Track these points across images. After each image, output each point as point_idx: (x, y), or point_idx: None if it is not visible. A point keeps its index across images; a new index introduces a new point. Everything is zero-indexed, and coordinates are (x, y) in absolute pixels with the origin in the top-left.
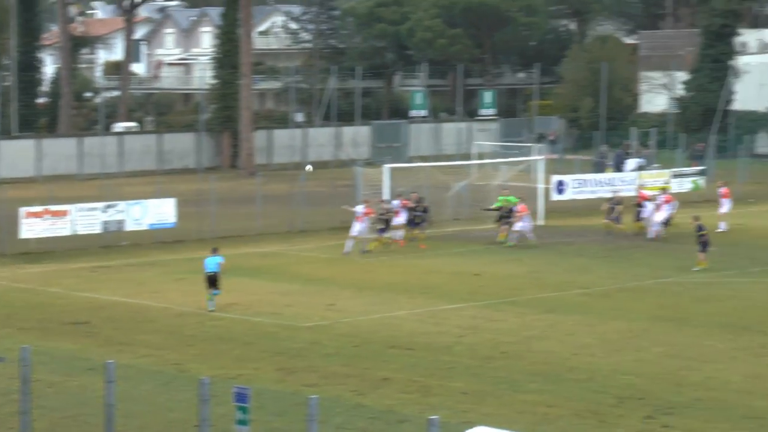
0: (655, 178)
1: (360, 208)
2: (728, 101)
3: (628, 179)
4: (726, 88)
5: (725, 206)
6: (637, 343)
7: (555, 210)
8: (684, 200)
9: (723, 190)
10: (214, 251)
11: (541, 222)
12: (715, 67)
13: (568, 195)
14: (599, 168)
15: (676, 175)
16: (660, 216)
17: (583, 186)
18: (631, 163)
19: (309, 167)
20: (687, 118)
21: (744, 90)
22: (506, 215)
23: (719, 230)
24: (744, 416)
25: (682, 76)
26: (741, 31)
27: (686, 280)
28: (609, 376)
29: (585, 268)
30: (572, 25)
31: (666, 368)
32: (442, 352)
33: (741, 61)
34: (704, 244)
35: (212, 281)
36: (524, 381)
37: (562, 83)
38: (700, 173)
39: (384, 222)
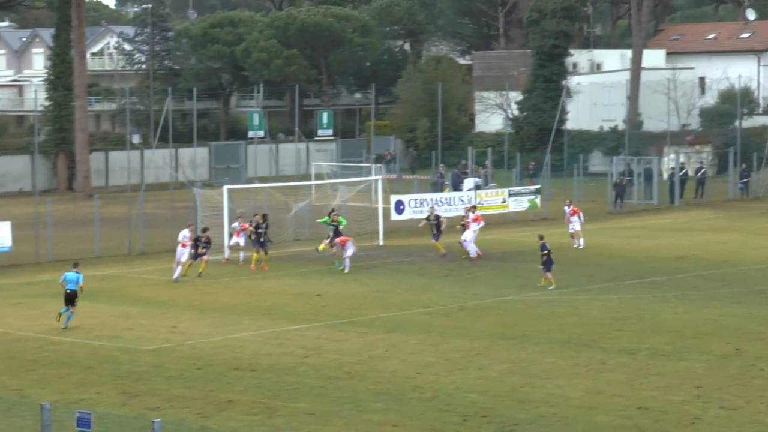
0: (493, 197)
1: (184, 234)
2: (561, 121)
3: (466, 198)
4: (559, 108)
5: (576, 223)
6: (479, 361)
7: (394, 230)
8: (521, 219)
9: (571, 208)
10: (75, 266)
11: (380, 242)
12: (547, 87)
13: (407, 215)
14: (437, 187)
15: (513, 194)
16: (468, 234)
17: (422, 206)
18: (468, 182)
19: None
20: (522, 137)
21: (576, 110)
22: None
23: (578, 247)
24: (585, 431)
25: (516, 96)
26: (572, 51)
27: (527, 298)
28: (453, 395)
29: (426, 287)
30: (407, 46)
31: (509, 385)
32: (286, 373)
33: (573, 81)
34: (548, 263)
35: (70, 299)
36: (369, 400)
37: (399, 103)
38: (536, 192)
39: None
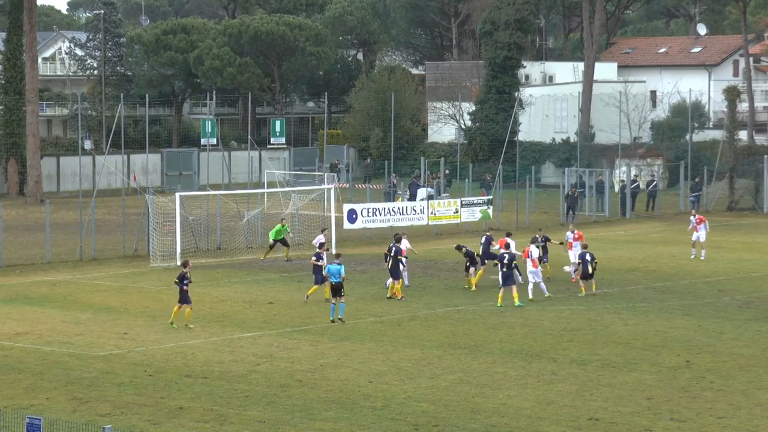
0: (445, 207)
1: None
2: (514, 132)
3: (419, 208)
4: (511, 119)
5: (702, 233)
6: (431, 371)
7: (347, 239)
8: (474, 229)
9: (697, 217)
10: None
11: (333, 251)
12: (500, 98)
13: (360, 224)
14: (390, 197)
15: (465, 205)
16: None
17: (375, 215)
18: (420, 192)
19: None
20: (474, 148)
21: (529, 121)
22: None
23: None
24: None
25: (469, 106)
26: (525, 63)
27: (478, 308)
28: (404, 404)
29: (378, 296)
30: (360, 56)
31: (460, 395)
32: (238, 381)
33: (525, 92)
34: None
35: None
36: (320, 409)
37: (352, 113)
38: (488, 203)
39: None
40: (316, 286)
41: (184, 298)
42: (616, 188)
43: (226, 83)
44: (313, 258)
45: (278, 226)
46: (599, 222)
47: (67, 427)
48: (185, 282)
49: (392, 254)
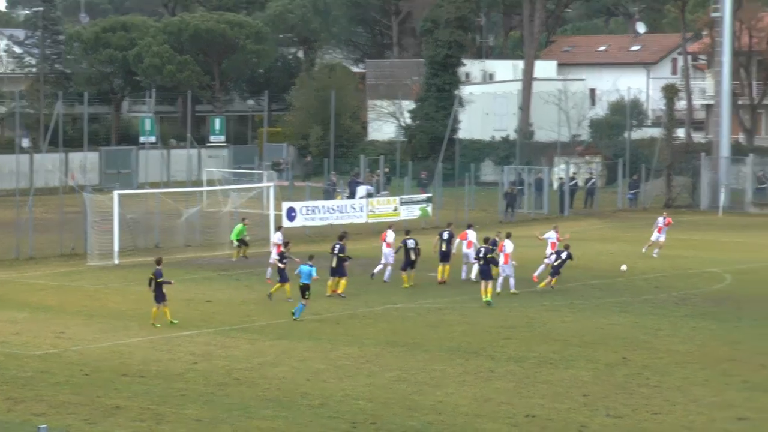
0: (384, 205)
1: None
2: (453, 130)
3: (358, 206)
4: (451, 117)
5: (663, 235)
6: (369, 369)
7: (286, 237)
8: (413, 227)
9: (666, 219)
10: None
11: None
12: (440, 96)
13: (299, 222)
14: (329, 195)
15: (404, 202)
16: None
17: (314, 213)
18: (360, 190)
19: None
20: (414, 146)
21: (469, 119)
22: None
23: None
24: None
25: (409, 104)
26: (465, 61)
27: (417, 306)
28: (342, 402)
29: (317, 294)
30: (300, 53)
31: (398, 393)
32: (175, 380)
33: (465, 90)
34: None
35: None
36: (258, 407)
37: (292, 111)
38: (428, 200)
39: None
40: (279, 285)
41: (159, 297)
42: (555, 186)
43: (165, 81)
44: (276, 258)
45: (240, 225)
46: (538, 219)
47: (2, 426)
48: (161, 280)
49: (336, 252)
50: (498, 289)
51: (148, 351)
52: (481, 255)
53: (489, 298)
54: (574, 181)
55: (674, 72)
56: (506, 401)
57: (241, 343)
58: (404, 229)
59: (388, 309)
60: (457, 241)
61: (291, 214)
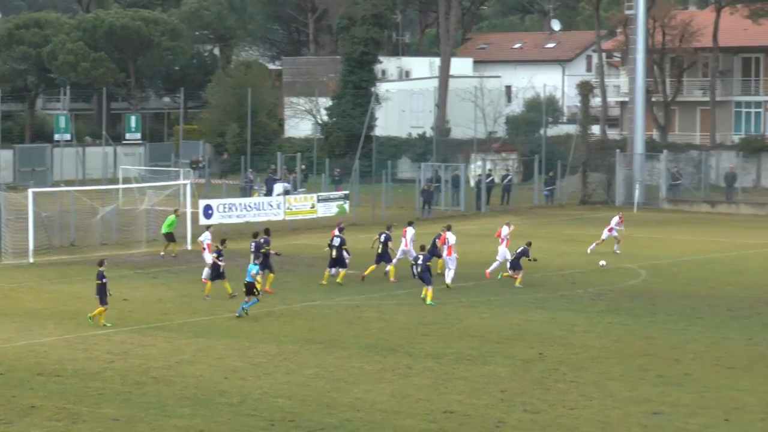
0: (301, 202)
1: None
2: (370, 127)
3: (275, 203)
4: (368, 114)
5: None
6: (287, 366)
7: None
8: (330, 224)
9: (620, 217)
10: None
11: (189, 246)
12: (357, 93)
13: (216, 219)
14: (246, 192)
15: (322, 200)
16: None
17: (231, 210)
18: (277, 187)
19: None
20: (331, 143)
21: (385, 116)
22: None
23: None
24: None
25: (326, 102)
26: (381, 58)
27: (335, 303)
28: (260, 399)
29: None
30: (216, 51)
31: (316, 390)
32: (92, 379)
33: (382, 87)
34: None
35: None
36: (175, 406)
37: (208, 108)
38: (345, 198)
39: None
40: (225, 282)
41: (103, 298)
42: (472, 183)
43: (80, 78)
44: (214, 255)
45: (171, 217)
46: (455, 216)
47: None
48: (104, 280)
49: (253, 250)
50: (448, 281)
51: (64, 350)
52: (419, 262)
53: (429, 300)
54: (490, 178)
55: (589, 69)
56: (424, 398)
57: (159, 342)
58: (338, 226)
59: (306, 306)
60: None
61: (208, 212)
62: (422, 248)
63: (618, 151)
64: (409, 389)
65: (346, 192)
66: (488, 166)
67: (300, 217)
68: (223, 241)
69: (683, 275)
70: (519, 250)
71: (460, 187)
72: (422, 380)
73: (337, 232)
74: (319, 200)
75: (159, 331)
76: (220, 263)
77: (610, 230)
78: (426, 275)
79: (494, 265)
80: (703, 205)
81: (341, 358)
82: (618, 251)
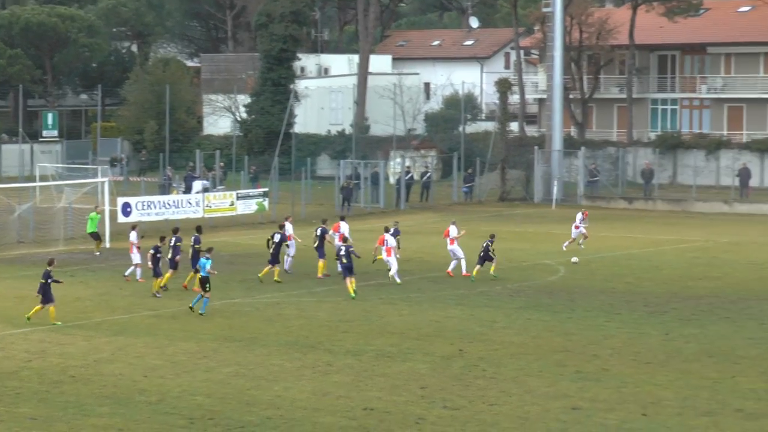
0: (221, 200)
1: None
2: (289, 124)
3: (194, 201)
4: (287, 112)
5: (582, 228)
6: (206, 364)
7: (121, 232)
8: (249, 222)
9: (584, 213)
10: None
11: (107, 244)
12: (276, 90)
13: (135, 217)
14: (165, 190)
15: (241, 197)
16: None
17: (150, 208)
18: (196, 185)
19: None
20: (250, 140)
21: (305, 113)
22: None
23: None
24: None
25: (245, 99)
26: (300, 55)
27: (254, 301)
28: (179, 398)
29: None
30: (134, 47)
31: (236, 388)
32: (9, 378)
33: (301, 85)
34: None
35: None
36: (94, 405)
37: (126, 105)
38: (264, 195)
39: None
40: (165, 275)
41: (47, 297)
42: (391, 180)
43: None
44: (151, 253)
45: (93, 214)
46: (374, 213)
47: None
48: (50, 280)
49: (171, 246)
50: (398, 280)
51: None
52: (342, 254)
53: (352, 293)
54: (409, 175)
55: (507, 66)
56: (344, 395)
57: (77, 340)
58: (278, 223)
59: (226, 304)
60: (330, 233)
61: (126, 210)
62: (345, 240)
63: (536, 148)
64: (329, 386)
65: (266, 189)
66: (407, 163)
67: (219, 214)
68: (162, 239)
69: (601, 271)
70: (484, 245)
71: (380, 184)
72: (342, 377)
73: (288, 226)
74: (238, 198)
75: (77, 330)
76: (159, 256)
77: (577, 227)
78: (350, 266)
79: (453, 263)
80: (621, 201)
81: (261, 356)
82: (582, 247)
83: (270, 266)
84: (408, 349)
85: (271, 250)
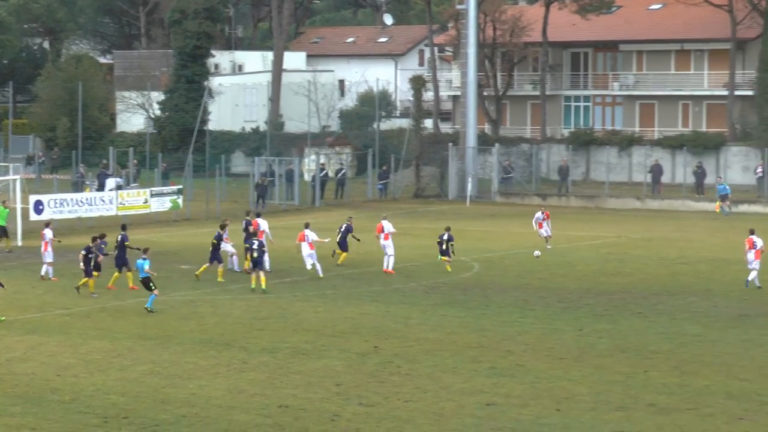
0: (134, 197)
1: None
2: (204, 121)
3: (108, 198)
4: (201, 109)
5: (546, 228)
6: (120, 363)
7: (34, 230)
8: (163, 219)
9: (545, 213)
10: None
11: (19, 242)
12: (189, 87)
13: (47, 215)
14: (78, 188)
15: (155, 194)
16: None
17: (63, 206)
18: (109, 182)
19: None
20: (164, 137)
21: (219, 110)
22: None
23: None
24: (226, 430)
25: (158, 96)
26: (214, 52)
27: (169, 298)
28: (93, 396)
29: (66, 288)
30: (46, 44)
31: (150, 386)
32: None
33: (215, 82)
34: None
35: None
36: (6, 404)
37: (38, 102)
38: (178, 192)
39: None
40: (90, 279)
41: None
42: (306, 177)
43: None
44: (83, 253)
45: (0, 208)
46: (289, 210)
47: None
48: None
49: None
50: (320, 274)
51: None
52: (254, 247)
53: (264, 286)
54: (324, 172)
55: (421, 63)
56: (259, 392)
57: None
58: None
59: (140, 302)
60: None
61: (39, 207)
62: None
63: (451, 144)
64: (245, 384)
65: (180, 187)
66: (322, 160)
67: (133, 212)
68: (100, 237)
69: (515, 267)
70: (445, 237)
71: (295, 181)
72: (257, 375)
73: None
74: (152, 195)
75: None
76: (91, 256)
77: (540, 226)
78: (261, 260)
79: (387, 260)
80: (535, 198)
81: (176, 354)
82: (549, 247)
83: (208, 264)
84: (323, 346)
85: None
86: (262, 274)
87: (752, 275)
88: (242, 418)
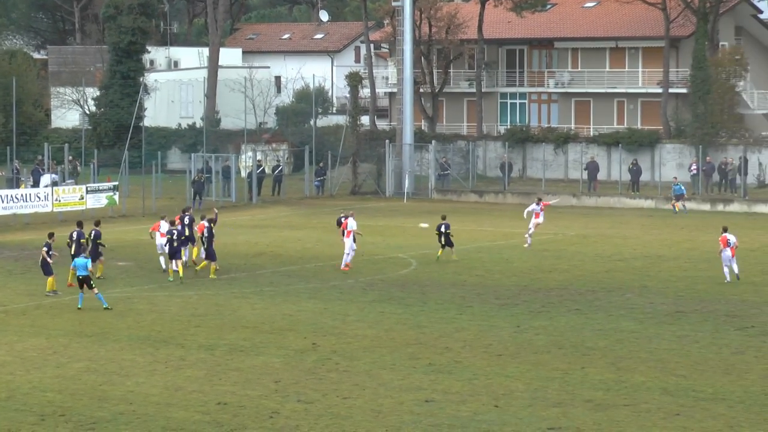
0: (70, 193)
1: None
2: (139, 117)
3: (43, 195)
4: (137, 105)
5: (541, 217)
6: (57, 360)
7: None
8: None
9: (542, 204)
10: None
11: None
12: (125, 83)
13: None
14: (12, 184)
15: (91, 191)
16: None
17: None
18: (44, 178)
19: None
20: (100, 133)
21: (155, 106)
22: None
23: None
24: (164, 428)
25: (93, 92)
26: (149, 48)
27: (106, 296)
28: (29, 394)
29: (1, 284)
30: None
31: (87, 384)
32: None
33: (151, 78)
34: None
35: None
36: None
37: None
38: (114, 189)
39: None
40: (51, 278)
41: None
42: (243, 173)
43: None
44: (45, 249)
45: None
46: (226, 207)
47: None
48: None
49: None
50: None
51: None
52: (174, 237)
53: (181, 274)
54: (261, 169)
55: (358, 60)
56: (197, 389)
57: None
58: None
59: (76, 299)
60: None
61: None
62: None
63: (387, 141)
64: (182, 381)
65: (116, 183)
66: (259, 156)
67: (69, 208)
68: (51, 235)
69: (452, 264)
70: (442, 228)
71: (231, 177)
72: (195, 372)
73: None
74: (88, 191)
75: None
76: (49, 260)
77: (537, 216)
78: (177, 250)
79: (346, 258)
80: (471, 194)
81: (113, 351)
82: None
83: (207, 261)
84: (261, 343)
85: (204, 245)
86: (179, 263)
87: (735, 270)
88: (180, 415)
